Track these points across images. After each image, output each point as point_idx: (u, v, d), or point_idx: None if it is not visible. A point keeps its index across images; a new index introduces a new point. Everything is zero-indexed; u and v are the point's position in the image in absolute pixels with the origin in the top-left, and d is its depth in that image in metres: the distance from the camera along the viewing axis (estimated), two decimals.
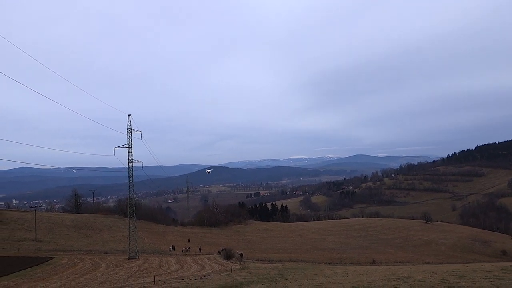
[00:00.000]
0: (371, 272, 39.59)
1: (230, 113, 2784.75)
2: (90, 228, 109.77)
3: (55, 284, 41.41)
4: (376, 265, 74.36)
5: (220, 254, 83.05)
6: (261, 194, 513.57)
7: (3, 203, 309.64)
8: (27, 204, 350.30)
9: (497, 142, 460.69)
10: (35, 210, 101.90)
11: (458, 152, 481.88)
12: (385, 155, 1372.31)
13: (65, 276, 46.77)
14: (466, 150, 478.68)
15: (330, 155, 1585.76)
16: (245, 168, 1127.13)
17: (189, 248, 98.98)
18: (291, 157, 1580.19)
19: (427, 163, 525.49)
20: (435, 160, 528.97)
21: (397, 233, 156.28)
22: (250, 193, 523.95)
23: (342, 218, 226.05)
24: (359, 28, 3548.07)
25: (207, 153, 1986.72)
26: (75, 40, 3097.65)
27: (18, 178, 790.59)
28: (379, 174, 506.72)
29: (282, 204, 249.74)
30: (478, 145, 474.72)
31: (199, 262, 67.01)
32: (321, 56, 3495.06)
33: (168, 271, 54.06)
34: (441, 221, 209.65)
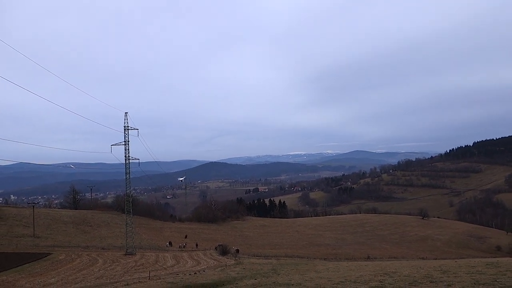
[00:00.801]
0: (362, 268, 40.50)
1: (230, 109, 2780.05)
2: (88, 224, 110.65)
3: (53, 279, 42.24)
4: (370, 261, 75.41)
5: (216, 250, 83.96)
6: (259, 190, 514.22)
7: (1, 199, 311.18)
8: (25, 199, 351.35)
9: (494, 138, 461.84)
10: (33, 206, 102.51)
11: (456, 148, 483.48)
12: (384, 151, 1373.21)
13: (63, 272, 47.61)
14: (464, 146, 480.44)
15: (329, 151, 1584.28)
16: (244, 164, 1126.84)
17: (185, 244, 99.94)
18: (290, 153, 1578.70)
19: (425, 159, 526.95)
20: (433, 156, 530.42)
21: (394, 229, 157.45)
22: (249, 189, 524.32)
23: (340, 214, 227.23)
24: (359, 24, 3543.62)
25: (206, 148, 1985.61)
26: (75, 35, 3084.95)
27: (17, 173, 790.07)
28: (378, 170, 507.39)
29: (280, 200, 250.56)
30: (476, 141, 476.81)
31: (195, 257, 67.94)
32: (321, 52, 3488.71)
33: (164, 266, 54.98)
34: (438, 217, 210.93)
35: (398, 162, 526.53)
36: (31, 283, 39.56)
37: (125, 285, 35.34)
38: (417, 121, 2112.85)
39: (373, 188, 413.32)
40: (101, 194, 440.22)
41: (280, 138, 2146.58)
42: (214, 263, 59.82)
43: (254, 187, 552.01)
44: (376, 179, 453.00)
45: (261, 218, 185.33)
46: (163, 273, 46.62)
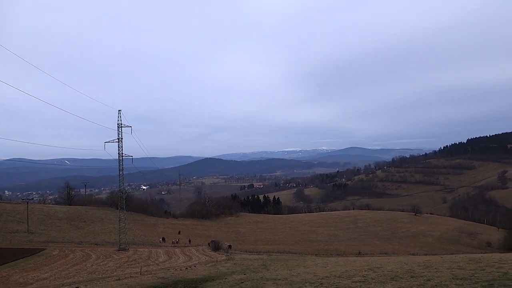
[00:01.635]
0: (350, 263, 41.24)
1: (225, 105, 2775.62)
2: (82, 220, 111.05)
3: (46, 274, 42.91)
4: (360, 257, 76.22)
5: (209, 245, 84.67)
6: (254, 186, 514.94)
7: None
8: (19, 195, 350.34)
9: (488, 135, 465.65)
10: (27, 202, 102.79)
11: (449, 145, 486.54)
12: (378, 147, 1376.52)
13: (56, 267, 48.24)
14: (457, 143, 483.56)
15: (324, 147, 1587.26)
16: (239, 160, 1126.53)
17: (178, 240, 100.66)
18: (285, 149, 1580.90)
19: (419, 156, 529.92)
20: (427, 153, 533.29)
21: (386, 225, 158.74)
22: (244, 185, 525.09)
23: (334, 210, 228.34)
24: (353, 20, 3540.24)
25: (201, 144, 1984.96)
26: (71, 28, 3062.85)
27: (11, 169, 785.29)
28: (372, 166, 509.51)
29: (274, 196, 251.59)
30: (470, 138, 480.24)
31: (187, 253, 68.68)
32: (315, 48, 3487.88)
33: (156, 262, 55.69)
34: (431, 214, 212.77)
35: (393, 159, 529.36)
36: (25, 278, 40.18)
37: (116, 279, 35.95)
38: (412, 117, 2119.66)
39: (367, 185, 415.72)
40: (96, 190, 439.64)
41: (275, 135, 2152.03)
42: (205, 258, 60.57)
43: (249, 184, 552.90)
44: (370, 175, 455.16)
45: (255, 214, 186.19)
46: (154, 268, 47.32)
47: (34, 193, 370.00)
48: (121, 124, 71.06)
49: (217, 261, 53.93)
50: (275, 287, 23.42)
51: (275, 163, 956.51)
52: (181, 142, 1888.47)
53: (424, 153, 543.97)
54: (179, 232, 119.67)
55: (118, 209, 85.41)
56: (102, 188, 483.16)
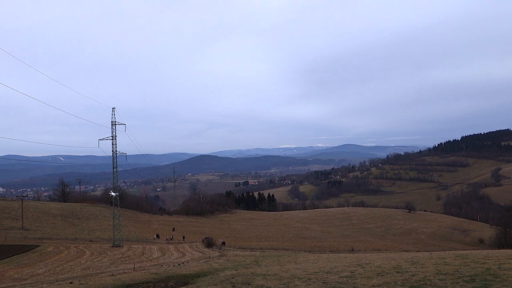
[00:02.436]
0: (340, 259, 41.84)
1: (220, 102, 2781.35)
2: (76, 217, 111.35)
3: (41, 270, 43.45)
4: (352, 253, 76.92)
5: (203, 242, 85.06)
6: (249, 183, 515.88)
7: None
8: (14, 192, 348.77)
9: (482, 133, 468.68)
10: (22, 199, 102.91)
11: (444, 143, 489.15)
12: (373, 145, 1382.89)
13: (50, 263, 48.72)
14: (452, 140, 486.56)
15: (319, 145, 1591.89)
16: (234, 157, 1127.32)
17: (172, 236, 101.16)
18: (280, 146, 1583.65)
19: (414, 153, 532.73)
20: (422, 150, 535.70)
21: (380, 222, 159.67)
22: (239, 182, 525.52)
23: (328, 207, 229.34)
24: (349, 17, 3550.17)
25: (196, 141, 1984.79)
26: (64, 25, 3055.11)
27: (5, 166, 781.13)
28: (367, 163, 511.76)
29: (269, 193, 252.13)
30: (464, 136, 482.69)
31: (181, 250, 69.13)
32: (311, 45, 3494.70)
33: (150, 258, 56.19)
34: (425, 211, 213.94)
35: (387, 156, 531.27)
36: (19, 274, 40.69)
37: (110, 275, 36.37)
38: (407, 115, 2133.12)
39: (361, 182, 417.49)
40: (91, 187, 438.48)
41: (270, 131, 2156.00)
42: (199, 255, 61.05)
43: (244, 180, 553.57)
44: (365, 172, 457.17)
45: (249, 211, 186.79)
46: (148, 264, 47.81)
47: (28, 190, 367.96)
48: (115, 121, 71.36)
49: (210, 257, 54.41)
50: (264, 282, 23.91)
51: (270, 160, 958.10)
52: (176, 139, 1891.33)
53: (418, 151, 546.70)
54: (173, 229, 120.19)
55: (112, 206, 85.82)
56: (97, 185, 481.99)
